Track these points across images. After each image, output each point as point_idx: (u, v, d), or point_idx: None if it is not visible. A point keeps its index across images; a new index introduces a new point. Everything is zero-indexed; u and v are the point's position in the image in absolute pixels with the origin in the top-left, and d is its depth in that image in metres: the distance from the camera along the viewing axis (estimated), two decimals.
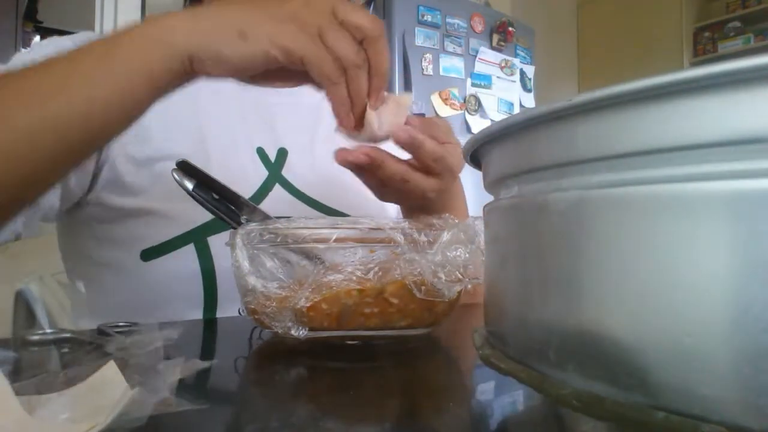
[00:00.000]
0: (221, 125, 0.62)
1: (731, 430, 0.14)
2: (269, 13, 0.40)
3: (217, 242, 0.55)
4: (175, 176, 0.40)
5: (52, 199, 0.54)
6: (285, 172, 0.63)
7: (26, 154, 0.38)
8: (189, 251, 0.55)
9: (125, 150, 0.56)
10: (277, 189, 0.62)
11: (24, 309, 0.87)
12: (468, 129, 2.25)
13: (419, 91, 2.13)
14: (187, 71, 0.41)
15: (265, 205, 0.57)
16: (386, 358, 0.37)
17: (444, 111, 2.19)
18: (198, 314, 0.56)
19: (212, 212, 0.41)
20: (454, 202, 0.58)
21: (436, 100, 2.18)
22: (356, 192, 0.67)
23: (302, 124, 0.68)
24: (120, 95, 0.40)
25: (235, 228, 0.39)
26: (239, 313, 0.56)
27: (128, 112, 0.41)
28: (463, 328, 0.47)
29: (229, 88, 0.64)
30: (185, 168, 0.40)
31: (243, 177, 0.59)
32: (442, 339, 0.42)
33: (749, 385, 0.14)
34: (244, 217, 0.42)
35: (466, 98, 2.26)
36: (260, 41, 0.39)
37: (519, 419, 0.26)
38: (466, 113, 2.25)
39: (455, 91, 2.23)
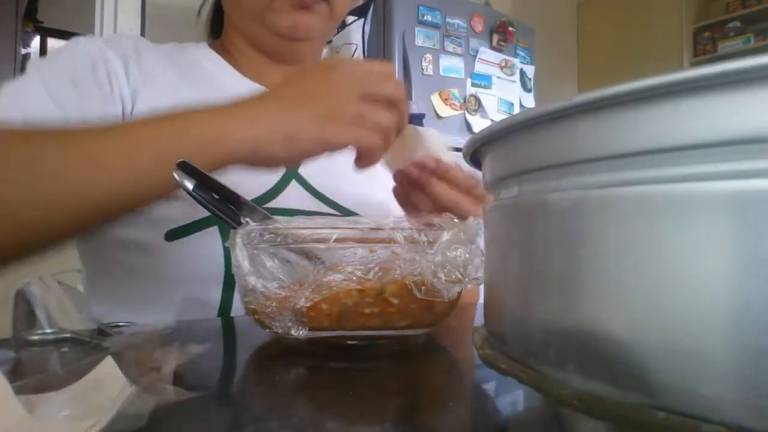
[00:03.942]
0: None
1: (732, 430, 0.14)
2: (313, 113, 0.45)
3: None
4: (175, 176, 0.40)
5: None
6: (301, 170, 0.65)
7: (83, 210, 0.42)
8: (213, 231, 0.56)
9: None
10: (293, 185, 0.64)
11: (24, 309, 0.87)
12: (468, 129, 2.25)
13: (419, 91, 2.13)
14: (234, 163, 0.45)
15: (281, 201, 0.61)
16: (386, 358, 0.37)
17: (444, 111, 2.19)
18: (217, 291, 0.58)
19: (212, 212, 0.41)
20: None
21: (436, 100, 2.18)
22: (366, 191, 0.68)
23: None
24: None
25: (235, 228, 0.39)
26: None
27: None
28: (463, 328, 0.47)
29: (246, 86, 0.67)
30: (185, 168, 0.40)
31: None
32: (442, 339, 0.42)
33: (750, 385, 0.14)
34: (244, 217, 0.42)
35: (466, 98, 2.26)
36: (308, 143, 0.45)
37: (519, 419, 0.26)
38: (466, 113, 2.25)
39: (455, 91, 2.23)
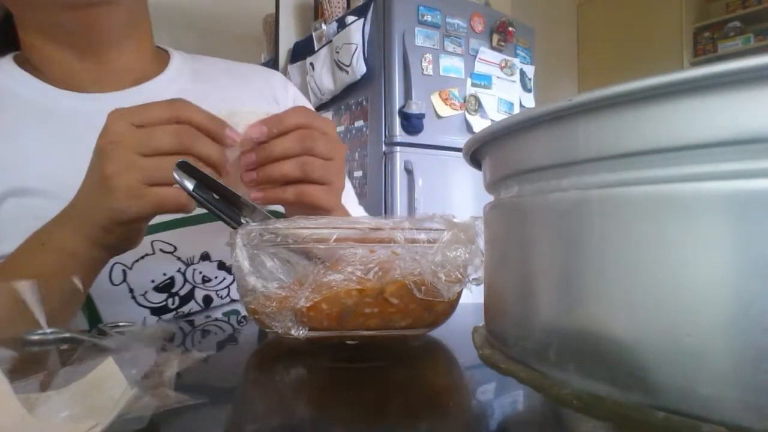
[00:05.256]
0: None
1: (732, 430, 0.14)
2: (101, 196, 0.42)
3: None
4: (176, 176, 0.40)
5: None
6: None
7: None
8: None
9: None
10: None
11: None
12: (468, 129, 2.25)
13: (419, 91, 2.13)
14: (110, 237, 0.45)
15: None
16: (386, 358, 0.37)
17: (444, 111, 2.19)
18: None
19: (212, 212, 0.41)
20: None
21: (436, 100, 2.18)
22: None
23: None
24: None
25: (235, 228, 0.39)
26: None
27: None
28: (463, 328, 0.47)
29: (57, 97, 0.59)
30: (185, 168, 0.40)
31: None
32: (442, 339, 0.42)
33: (750, 385, 0.14)
34: (244, 217, 0.42)
35: (466, 98, 2.26)
36: (116, 223, 0.43)
37: (519, 419, 0.26)
38: (466, 113, 2.25)
39: (455, 91, 2.23)
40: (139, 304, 0.58)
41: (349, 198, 0.69)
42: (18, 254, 0.46)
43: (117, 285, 0.56)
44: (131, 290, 0.57)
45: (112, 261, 0.53)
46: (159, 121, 0.42)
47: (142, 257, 0.57)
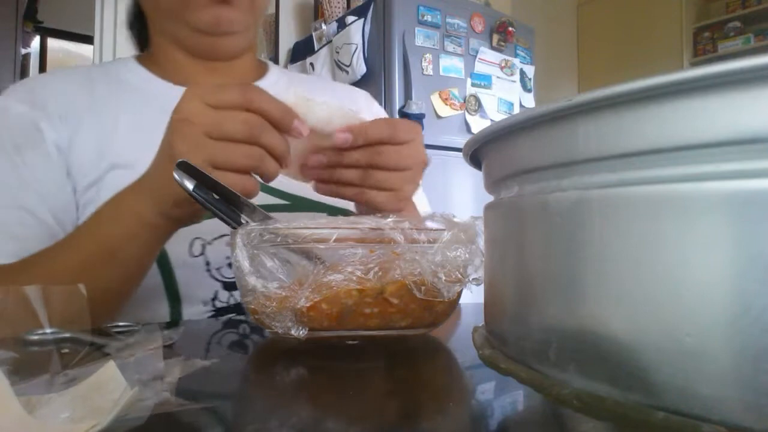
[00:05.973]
0: None
1: (732, 430, 0.14)
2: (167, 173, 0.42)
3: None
4: (176, 176, 0.40)
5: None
6: None
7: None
8: None
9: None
10: None
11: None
12: (468, 129, 2.25)
13: (419, 91, 2.13)
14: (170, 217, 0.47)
15: None
16: (386, 358, 0.37)
17: (444, 111, 2.19)
18: (164, 308, 0.59)
19: (212, 212, 0.41)
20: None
21: (436, 100, 2.18)
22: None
23: None
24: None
25: (235, 228, 0.39)
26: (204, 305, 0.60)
27: (141, 255, 0.49)
28: (463, 328, 0.47)
29: (177, 94, 0.64)
30: (185, 168, 0.40)
31: None
32: (442, 339, 0.42)
33: (749, 385, 0.14)
34: (244, 217, 0.42)
35: (466, 98, 2.26)
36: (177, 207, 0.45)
37: (519, 419, 0.26)
38: (466, 113, 2.25)
39: (455, 91, 2.23)
40: (213, 278, 0.61)
41: (421, 203, 0.72)
42: (92, 222, 0.49)
43: (196, 257, 0.60)
44: (207, 263, 0.61)
45: (192, 236, 0.59)
46: (231, 104, 0.43)
47: (221, 236, 0.61)
